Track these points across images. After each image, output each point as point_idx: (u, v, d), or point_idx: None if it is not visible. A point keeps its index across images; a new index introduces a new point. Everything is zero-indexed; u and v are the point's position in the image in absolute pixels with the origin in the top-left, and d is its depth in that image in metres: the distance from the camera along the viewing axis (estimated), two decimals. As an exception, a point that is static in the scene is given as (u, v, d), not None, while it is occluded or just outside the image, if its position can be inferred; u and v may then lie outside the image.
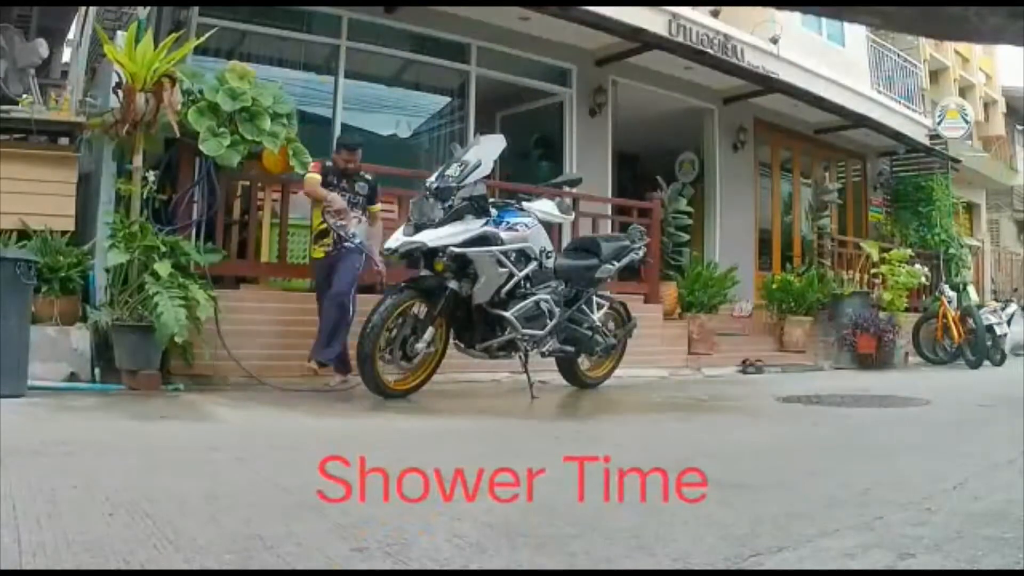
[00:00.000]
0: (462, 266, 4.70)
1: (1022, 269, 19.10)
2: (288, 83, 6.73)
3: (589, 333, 5.46)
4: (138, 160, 5.17)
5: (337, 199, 5.14)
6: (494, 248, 4.74)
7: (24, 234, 5.17)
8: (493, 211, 4.89)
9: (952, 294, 10.38)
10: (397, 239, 4.76)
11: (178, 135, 5.16)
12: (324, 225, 5.24)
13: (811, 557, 1.79)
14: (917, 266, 10.68)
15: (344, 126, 7.96)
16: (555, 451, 3.27)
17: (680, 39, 8.83)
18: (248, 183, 5.98)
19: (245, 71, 5.54)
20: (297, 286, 6.17)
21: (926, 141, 13.45)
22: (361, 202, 5.35)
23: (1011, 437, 3.64)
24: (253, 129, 5.39)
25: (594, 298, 5.55)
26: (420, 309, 4.77)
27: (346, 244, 5.14)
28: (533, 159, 9.72)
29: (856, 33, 12.67)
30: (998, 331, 10.04)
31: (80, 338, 4.90)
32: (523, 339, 4.94)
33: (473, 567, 1.69)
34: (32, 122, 5.53)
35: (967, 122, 13.75)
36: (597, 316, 5.53)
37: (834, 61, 11.55)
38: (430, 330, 4.71)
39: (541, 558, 1.75)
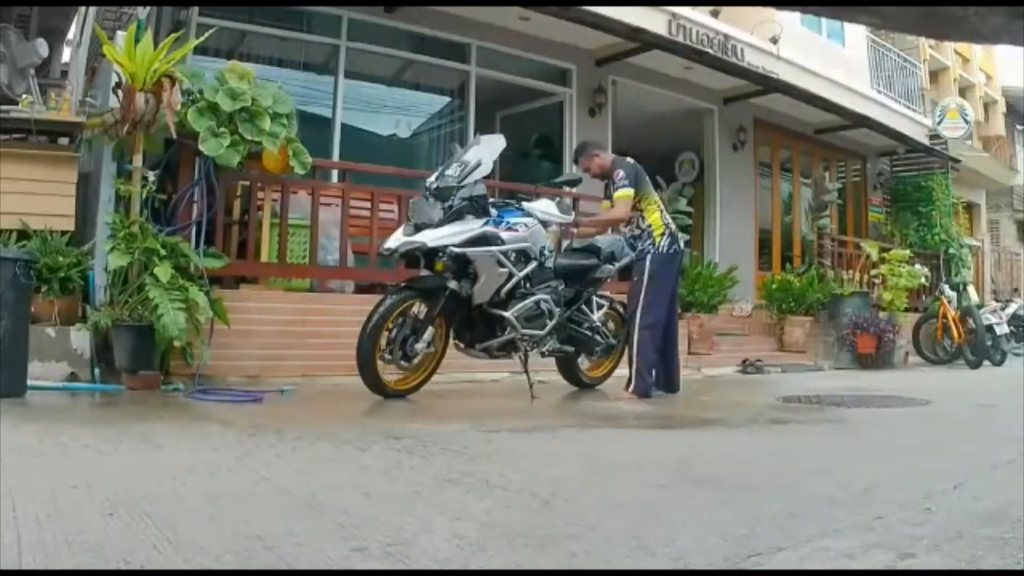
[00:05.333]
0: (462, 266, 4.70)
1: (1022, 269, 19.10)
2: (288, 83, 6.72)
3: (589, 333, 5.46)
4: (138, 160, 5.17)
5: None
6: (494, 248, 4.73)
7: (24, 234, 5.17)
8: (493, 211, 4.88)
9: (952, 294, 10.38)
10: (397, 239, 4.75)
11: (174, 136, 5.16)
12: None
13: (811, 557, 1.79)
14: (917, 266, 10.69)
15: (344, 126, 7.97)
16: (560, 451, 3.27)
17: (680, 39, 8.83)
18: (248, 183, 5.98)
19: (245, 71, 5.53)
20: (297, 286, 6.18)
21: (926, 141, 13.46)
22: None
23: (1011, 437, 3.64)
24: (253, 129, 5.38)
25: (594, 298, 5.55)
26: (420, 309, 4.76)
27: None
28: (533, 159, 9.73)
29: (856, 33, 12.68)
30: (998, 331, 10.04)
31: (80, 338, 4.89)
32: (523, 339, 4.94)
33: (473, 567, 1.69)
34: (32, 122, 5.52)
35: (967, 122, 13.76)
36: (597, 316, 5.53)
37: (834, 61, 11.56)
38: (430, 330, 4.71)
39: (541, 558, 1.75)
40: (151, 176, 5.20)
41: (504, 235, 4.80)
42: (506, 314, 4.82)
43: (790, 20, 10.51)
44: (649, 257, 5.20)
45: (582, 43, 9.11)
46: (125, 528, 1.86)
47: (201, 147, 5.25)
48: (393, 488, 2.40)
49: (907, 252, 10.98)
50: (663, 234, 5.23)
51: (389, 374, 4.72)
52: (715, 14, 9.70)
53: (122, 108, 5.04)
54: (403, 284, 4.92)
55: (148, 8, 6.32)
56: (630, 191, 5.19)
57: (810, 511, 2.19)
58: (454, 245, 4.59)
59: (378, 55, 8.27)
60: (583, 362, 5.72)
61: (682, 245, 5.44)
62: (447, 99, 9.19)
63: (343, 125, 7.95)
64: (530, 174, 8.60)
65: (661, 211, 5.33)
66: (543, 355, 5.31)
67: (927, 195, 13.36)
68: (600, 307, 5.60)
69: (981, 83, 17.91)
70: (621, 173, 5.22)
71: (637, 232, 5.32)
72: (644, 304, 5.14)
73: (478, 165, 4.77)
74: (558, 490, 2.41)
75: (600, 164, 5.46)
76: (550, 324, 5.04)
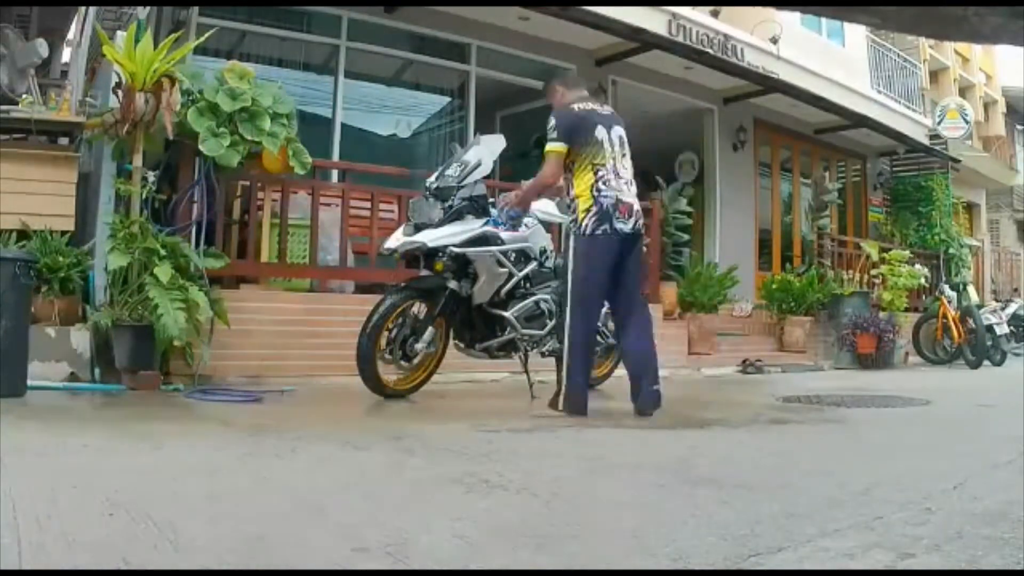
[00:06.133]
0: (462, 266, 4.70)
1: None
2: (288, 83, 6.73)
3: (589, 333, 5.43)
4: (138, 160, 5.17)
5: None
6: (494, 248, 4.74)
7: (24, 234, 5.17)
8: (493, 211, 4.89)
9: (952, 294, 10.38)
10: (397, 239, 4.76)
11: (170, 136, 5.16)
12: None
13: (811, 557, 1.79)
14: (917, 266, 10.69)
15: (344, 126, 7.97)
16: (560, 451, 3.27)
17: (680, 39, 8.83)
18: (248, 183, 5.98)
19: (244, 71, 5.54)
20: (297, 286, 6.18)
21: (926, 141, 13.46)
22: None
23: (1011, 437, 3.63)
24: (253, 129, 5.39)
25: (594, 298, 5.53)
26: (420, 309, 4.77)
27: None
28: (533, 159, 9.71)
29: (856, 33, 12.68)
30: (998, 331, 10.04)
31: (80, 338, 4.89)
32: (523, 339, 4.94)
33: (473, 567, 1.69)
34: (32, 122, 5.52)
35: (967, 122, 13.76)
36: (597, 316, 5.51)
37: (834, 61, 11.55)
38: (430, 330, 4.71)
39: (541, 558, 1.75)
40: (151, 176, 5.20)
41: (504, 235, 4.81)
42: (506, 314, 4.83)
43: (790, 20, 10.51)
44: (572, 240, 4.14)
45: (582, 43, 9.11)
46: (125, 528, 1.86)
47: (201, 147, 5.25)
48: (393, 488, 2.40)
49: (907, 252, 10.99)
50: (588, 210, 4.07)
51: (389, 374, 4.72)
52: (715, 14, 9.70)
53: (122, 108, 5.04)
54: (403, 284, 4.92)
55: (148, 8, 6.32)
56: (558, 146, 4.12)
57: (810, 511, 2.19)
58: (454, 245, 4.59)
59: (378, 55, 8.27)
60: (583, 362, 5.70)
61: (623, 227, 4.12)
62: (447, 99, 9.18)
63: (343, 125, 7.95)
64: (530, 174, 8.54)
65: (600, 178, 4.10)
66: (543, 355, 5.30)
67: (927, 195, 13.37)
68: (600, 307, 5.58)
69: (981, 83, 17.89)
70: (552, 122, 4.15)
71: (568, 202, 4.26)
72: (572, 300, 4.11)
73: (478, 165, 4.77)
74: (558, 490, 2.41)
75: (558, 103, 4.33)
76: (550, 324, 5.04)
